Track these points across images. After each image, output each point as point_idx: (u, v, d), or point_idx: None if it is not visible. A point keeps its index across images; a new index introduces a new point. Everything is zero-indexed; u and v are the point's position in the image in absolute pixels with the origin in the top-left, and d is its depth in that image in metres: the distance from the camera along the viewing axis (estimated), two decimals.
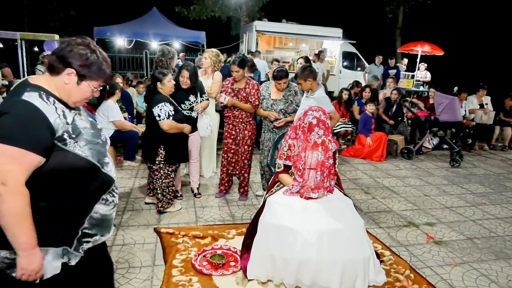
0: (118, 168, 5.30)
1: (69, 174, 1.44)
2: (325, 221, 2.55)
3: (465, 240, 3.59)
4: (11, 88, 1.52)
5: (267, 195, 2.94)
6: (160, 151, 3.62)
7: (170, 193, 3.80)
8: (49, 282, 1.49)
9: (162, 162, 3.64)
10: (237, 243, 3.16)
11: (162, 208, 3.80)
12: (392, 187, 5.06)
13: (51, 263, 1.47)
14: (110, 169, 1.61)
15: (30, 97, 1.37)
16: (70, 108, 1.51)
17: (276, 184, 2.99)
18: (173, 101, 3.69)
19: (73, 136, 1.45)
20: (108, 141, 1.67)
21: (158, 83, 3.61)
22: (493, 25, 17.35)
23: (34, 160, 1.33)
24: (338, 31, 12.79)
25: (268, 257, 2.58)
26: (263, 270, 2.62)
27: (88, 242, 1.57)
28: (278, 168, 2.93)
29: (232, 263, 2.90)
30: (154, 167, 3.69)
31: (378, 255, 2.98)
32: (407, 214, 4.16)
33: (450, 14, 17.58)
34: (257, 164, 4.65)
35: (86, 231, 1.55)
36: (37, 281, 1.45)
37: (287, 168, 2.91)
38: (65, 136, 1.42)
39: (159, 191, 3.74)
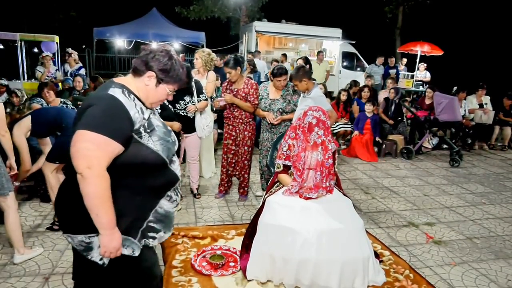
0: None
1: (140, 166, 1.56)
2: (324, 221, 2.56)
3: (464, 240, 3.59)
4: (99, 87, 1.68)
5: (266, 196, 2.95)
6: None
7: None
8: (111, 268, 1.60)
9: None
10: (236, 243, 3.16)
11: None
12: (391, 187, 5.06)
13: (98, 248, 1.56)
14: (176, 167, 1.72)
15: (115, 92, 1.53)
16: (146, 108, 1.65)
17: (276, 185, 2.99)
18: None
19: (148, 130, 1.59)
20: (177, 143, 1.76)
21: None
22: (493, 25, 17.34)
23: (116, 148, 1.47)
24: (338, 31, 12.78)
25: (268, 257, 2.58)
26: (263, 270, 2.63)
27: (154, 238, 1.66)
28: (278, 168, 2.94)
29: (232, 264, 2.90)
30: None
31: (377, 255, 2.99)
32: (406, 214, 4.16)
33: (450, 14, 17.58)
34: (257, 164, 4.65)
35: (151, 224, 1.64)
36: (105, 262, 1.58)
37: (286, 168, 2.91)
38: (141, 129, 1.56)
39: None
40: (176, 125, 3.70)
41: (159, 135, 1.63)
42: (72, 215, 1.56)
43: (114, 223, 1.50)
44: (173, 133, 1.76)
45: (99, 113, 1.46)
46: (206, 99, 4.17)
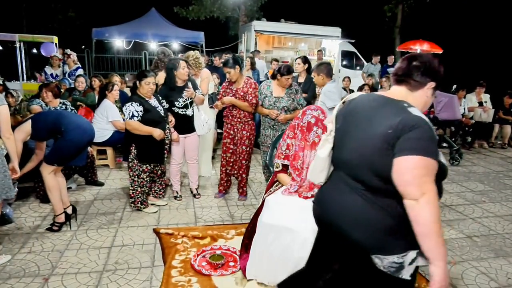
0: (117, 169, 5.30)
1: None
2: None
3: (464, 238, 3.59)
4: (388, 105, 1.54)
5: (265, 195, 2.94)
6: (132, 150, 3.70)
7: (143, 194, 3.85)
8: (412, 280, 1.57)
9: (134, 160, 3.71)
10: (236, 243, 3.16)
11: (133, 205, 3.85)
12: None
13: (408, 265, 1.54)
14: None
15: (419, 113, 1.47)
16: None
17: (275, 184, 2.98)
18: (147, 101, 3.68)
19: None
20: None
21: (137, 82, 3.65)
22: (492, 23, 17.34)
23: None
24: (337, 30, 12.77)
25: (267, 257, 2.58)
26: (262, 270, 2.62)
27: None
28: (277, 167, 2.93)
29: (231, 263, 2.90)
30: (128, 164, 3.79)
31: None
32: None
33: (449, 12, 17.57)
34: (256, 164, 4.65)
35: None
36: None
37: (285, 168, 2.91)
38: None
39: (130, 188, 3.81)
40: (156, 133, 3.62)
41: None
42: (388, 235, 1.51)
43: (446, 253, 1.44)
44: None
45: (426, 137, 1.41)
46: (202, 94, 4.20)
